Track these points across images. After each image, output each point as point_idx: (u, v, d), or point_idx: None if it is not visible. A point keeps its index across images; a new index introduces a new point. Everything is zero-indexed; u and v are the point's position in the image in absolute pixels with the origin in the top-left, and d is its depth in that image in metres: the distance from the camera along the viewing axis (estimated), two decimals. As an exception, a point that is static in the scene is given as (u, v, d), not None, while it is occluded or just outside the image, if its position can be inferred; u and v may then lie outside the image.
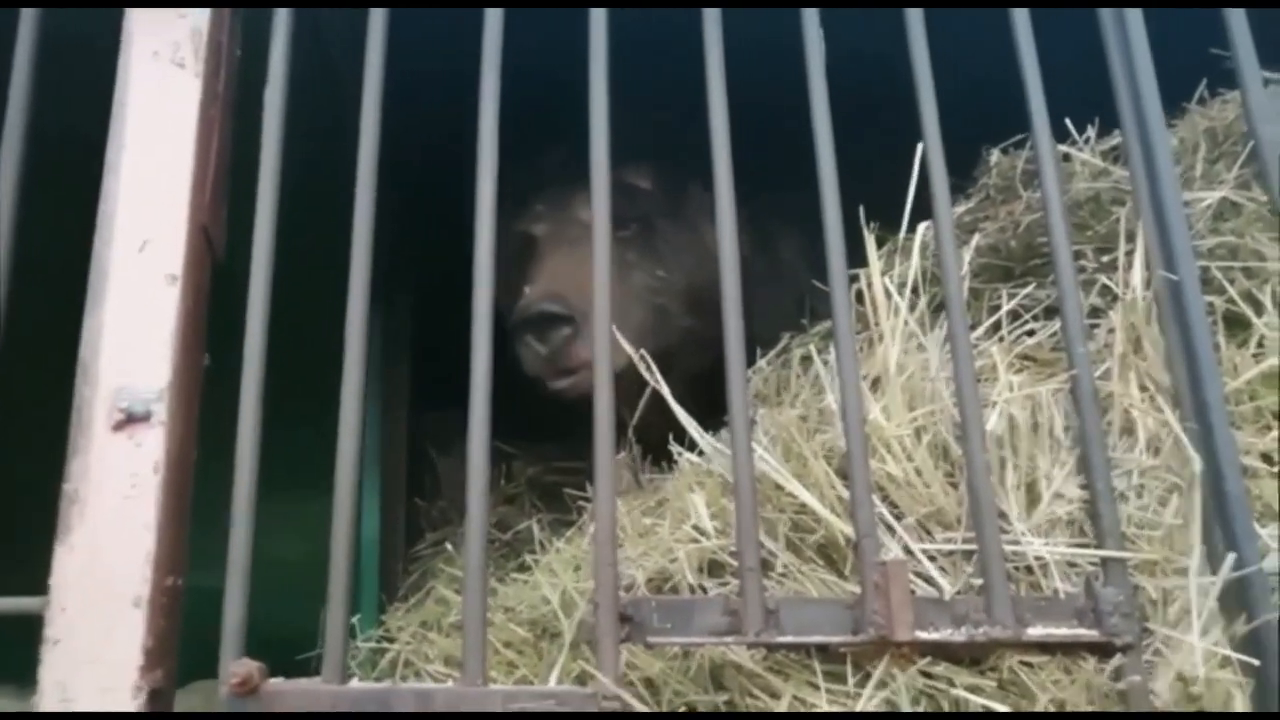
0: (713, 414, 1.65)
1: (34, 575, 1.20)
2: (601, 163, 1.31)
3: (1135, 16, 1.39)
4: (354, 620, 2.21)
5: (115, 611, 1.16)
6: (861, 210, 1.40)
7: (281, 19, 1.37)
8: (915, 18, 1.38)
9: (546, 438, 3.10)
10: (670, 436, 1.57)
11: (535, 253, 2.28)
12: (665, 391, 1.48)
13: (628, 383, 1.73)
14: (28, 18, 1.33)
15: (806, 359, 1.71)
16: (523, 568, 2.41)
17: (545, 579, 1.57)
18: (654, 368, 1.52)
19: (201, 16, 1.32)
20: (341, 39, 2.16)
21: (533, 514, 2.64)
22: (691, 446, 1.53)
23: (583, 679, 1.37)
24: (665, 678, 1.34)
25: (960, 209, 1.61)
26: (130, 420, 1.20)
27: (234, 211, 1.39)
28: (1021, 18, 1.40)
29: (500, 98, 1.35)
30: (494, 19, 1.38)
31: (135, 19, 1.33)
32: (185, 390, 1.26)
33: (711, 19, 1.38)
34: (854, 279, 1.76)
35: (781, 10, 1.39)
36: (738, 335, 1.24)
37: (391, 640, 2.17)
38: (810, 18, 1.36)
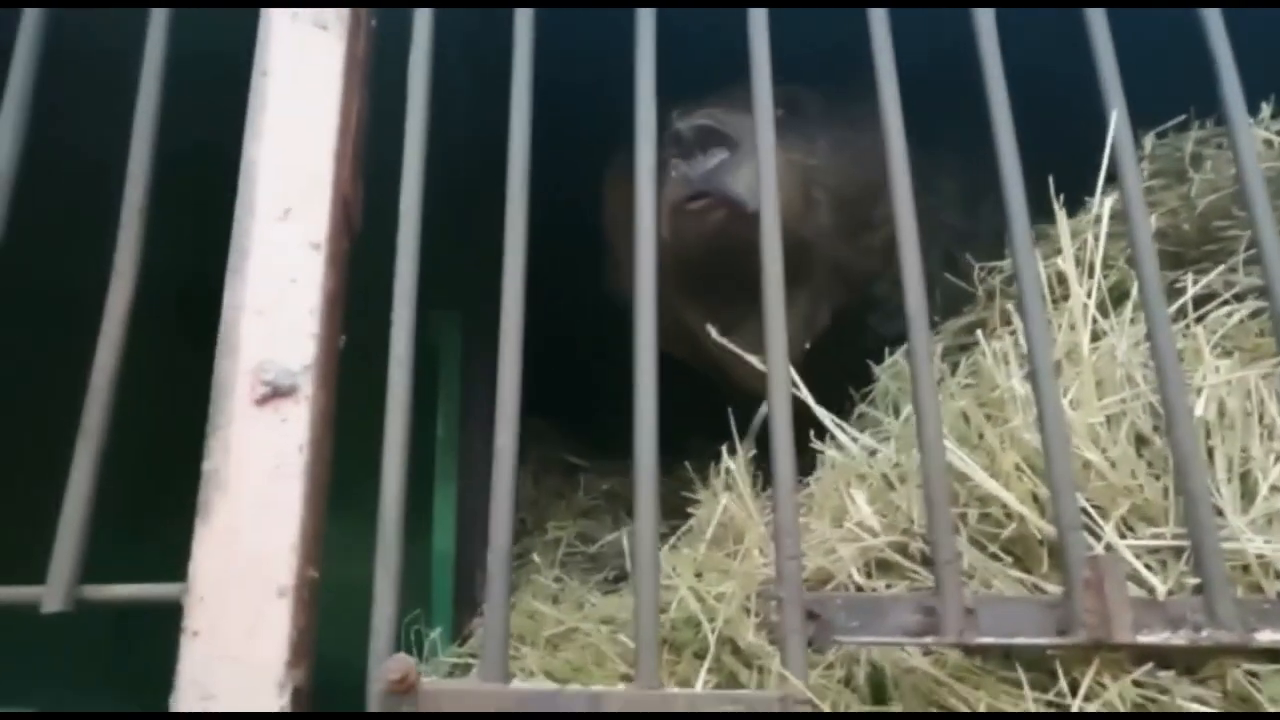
0: (830, 391, 1.55)
1: (166, 563, 1.12)
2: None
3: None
4: (434, 634, 2.11)
5: (260, 601, 1.06)
6: (1051, 181, 1.31)
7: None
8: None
9: (616, 453, 3.01)
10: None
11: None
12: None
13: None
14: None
15: (946, 352, 1.62)
16: (613, 580, 2.31)
17: (682, 582, 1.46)
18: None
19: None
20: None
21: (614, 527, 2.55)
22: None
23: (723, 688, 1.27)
24: (821, 689, 1.23)
25: (1114, 197, 1.51)
26: (275, 394, 1.12)
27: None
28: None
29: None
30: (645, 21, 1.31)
31: (276, -22, 1.27)
32: (328, 366, 1.18)
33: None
34: (991, 272, 1.69)
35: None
36: (918, 290, 1.15)
37: (475, 655, 2.06)
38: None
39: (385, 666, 1.03)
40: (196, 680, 1.04)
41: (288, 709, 1.04)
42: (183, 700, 1.03)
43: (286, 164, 1.21)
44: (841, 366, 1.76)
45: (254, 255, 1.17)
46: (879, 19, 1.31)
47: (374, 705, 1.05)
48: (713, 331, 1.54)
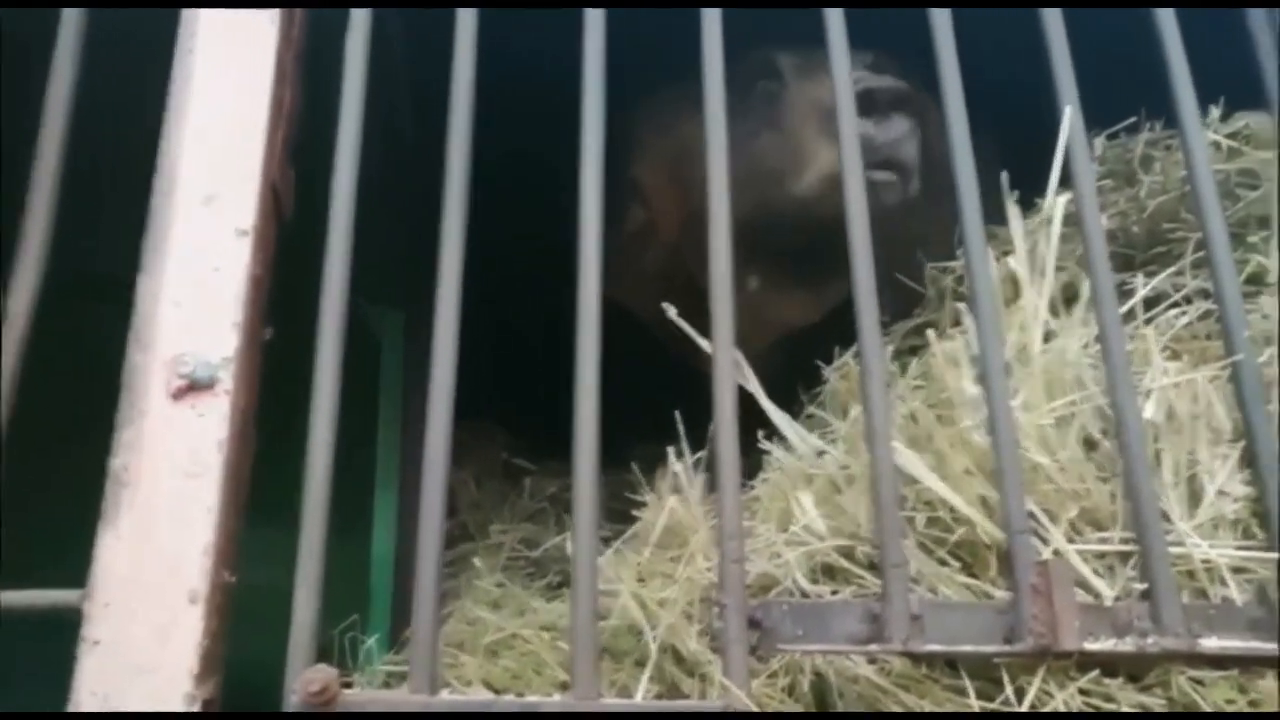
0: (785, 389, 1.52)
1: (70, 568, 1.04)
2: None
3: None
4: (371, 641, 2.04)
5: (170, 608, 1.00)
6: (1005, 177, 1.29)
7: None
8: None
9: (562, 456, 2.95)
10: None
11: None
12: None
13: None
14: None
15: (896, 354, 1.59)
16: (557, 586, 2.25)
17: (624, 588, 1.42)
18: None
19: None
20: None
21: (558, 532, 2.49)
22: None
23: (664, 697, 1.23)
24: (764, 699, 1.19)
25: (1065, 196, 1.50)
26: (193, 388, 1.05)
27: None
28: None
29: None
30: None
31: (202, -50, 1.20)
32: (250, 360, 1.12)
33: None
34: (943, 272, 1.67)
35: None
36: (869, 288, 1.12)
37: (414, 663, 1.99)
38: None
39: (304, 677, 0.97)
40: (95, 692, 0.97)
41: (197, 724, 0.98)
42: (81, 714, 0.96)
43: (210, 147, 1.14)
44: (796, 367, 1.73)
45: (173, 243, 1.11)
46: (835, 18, 1.28)
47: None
48: (669, 311, 1.50)
